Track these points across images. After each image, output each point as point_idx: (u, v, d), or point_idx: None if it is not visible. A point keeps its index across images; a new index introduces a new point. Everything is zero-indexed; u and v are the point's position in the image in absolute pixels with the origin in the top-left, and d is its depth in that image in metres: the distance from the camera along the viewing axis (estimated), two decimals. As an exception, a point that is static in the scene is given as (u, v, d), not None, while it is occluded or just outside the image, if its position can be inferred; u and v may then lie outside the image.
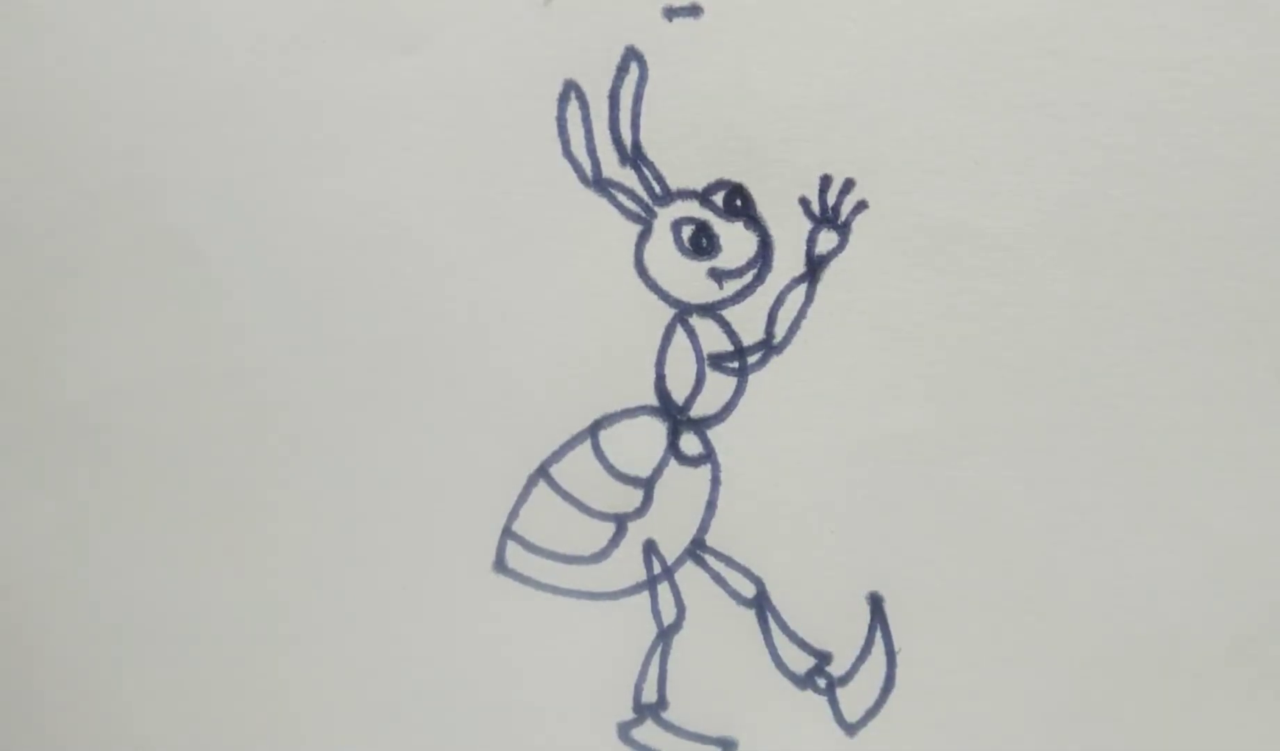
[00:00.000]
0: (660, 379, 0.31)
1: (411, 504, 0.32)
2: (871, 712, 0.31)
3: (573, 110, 0.31)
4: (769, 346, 0.31)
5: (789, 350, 0.31)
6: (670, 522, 0.31)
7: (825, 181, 0.31)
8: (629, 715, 0.31)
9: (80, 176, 0.31)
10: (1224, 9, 0.29)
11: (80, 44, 0.31)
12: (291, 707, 0.32)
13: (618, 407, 0.31)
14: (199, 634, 0.32)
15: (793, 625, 0.31)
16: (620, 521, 0.31)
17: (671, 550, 0.31)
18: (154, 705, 0.32)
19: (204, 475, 0.32)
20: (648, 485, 0.31)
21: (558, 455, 0.31)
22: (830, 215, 0.31)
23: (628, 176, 0.31)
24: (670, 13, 0.30)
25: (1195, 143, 0.30)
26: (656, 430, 0.31)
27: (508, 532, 0.31)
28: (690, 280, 0.31)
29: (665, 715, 0.31)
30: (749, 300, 0.31)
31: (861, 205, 0.31)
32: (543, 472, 0.31)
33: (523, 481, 0.31)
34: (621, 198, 0.31)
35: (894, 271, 0.30)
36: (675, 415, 0.31)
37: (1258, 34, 0.29)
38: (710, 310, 0.31)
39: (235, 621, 0.32)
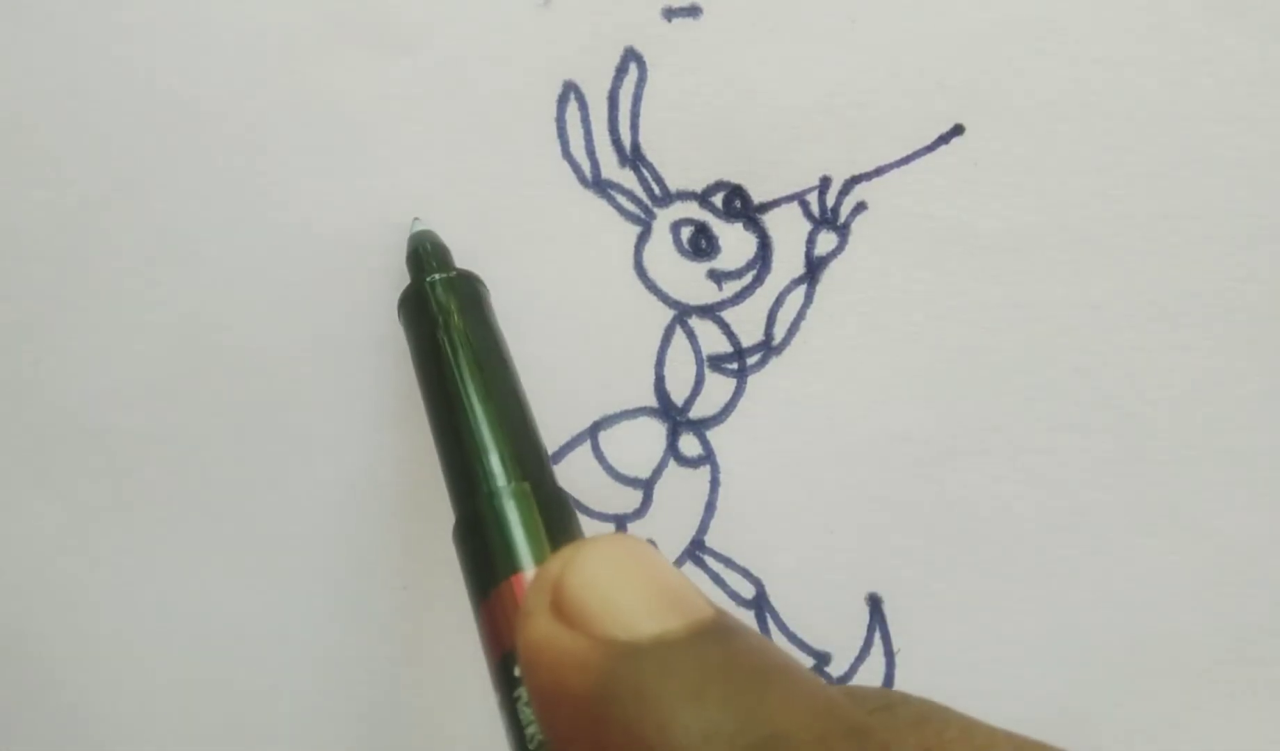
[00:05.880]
0: (660, 380, 0.31)
1: (412, 503, 0.31)
2: (870, 712, 0.31)
3: (572, 111, 0.31)
4: (768, 347, 0.31)
5: (788, 351, 0.31)
6: (670, 524, 0.31)
7: (825, 182, 0.31)
8: (629, 715, 0.31)
9: (80, 176, 0.31)
10: (1224, 9, 0.29)
11: (80, 44, 0.31)
12: (292, 707, 0.32)
13: (618, 408, 0.31)
14: (200, 634, 0.32)
15: (792, 626, 0.31)
16: (620, 522, 0.31)
17: (671, 551, 0.31)
18: (155, 706, 0.32)
19: (204, 476, 0.32)
20: (647, 486, 0.31)
21: (558, 455, 0.31)
22: (829, 216, 0.31)
23: (627, 177, 0.31)
24: (670, 13, 0.30)
25: (1195, 143, 0.30)
26: (656, 431, 0.31)
27: (508, 533, 0.31)
28: (690, 281, 0.31)
29: (665, 715, 0.31)
30: (748, 301, 0.31)
31: (861, 206, 0.31)
32: (542, 473, 0.31)
33: (523, 482, 0.31)
34: (621, 199, 0.31)
35: (893, 272, 0.30)
36: (675, 416, 0.31)
37: (1258, 34, 0.29)
38: (709, 311, 0.31)
39: (235, 621, 0.32)
